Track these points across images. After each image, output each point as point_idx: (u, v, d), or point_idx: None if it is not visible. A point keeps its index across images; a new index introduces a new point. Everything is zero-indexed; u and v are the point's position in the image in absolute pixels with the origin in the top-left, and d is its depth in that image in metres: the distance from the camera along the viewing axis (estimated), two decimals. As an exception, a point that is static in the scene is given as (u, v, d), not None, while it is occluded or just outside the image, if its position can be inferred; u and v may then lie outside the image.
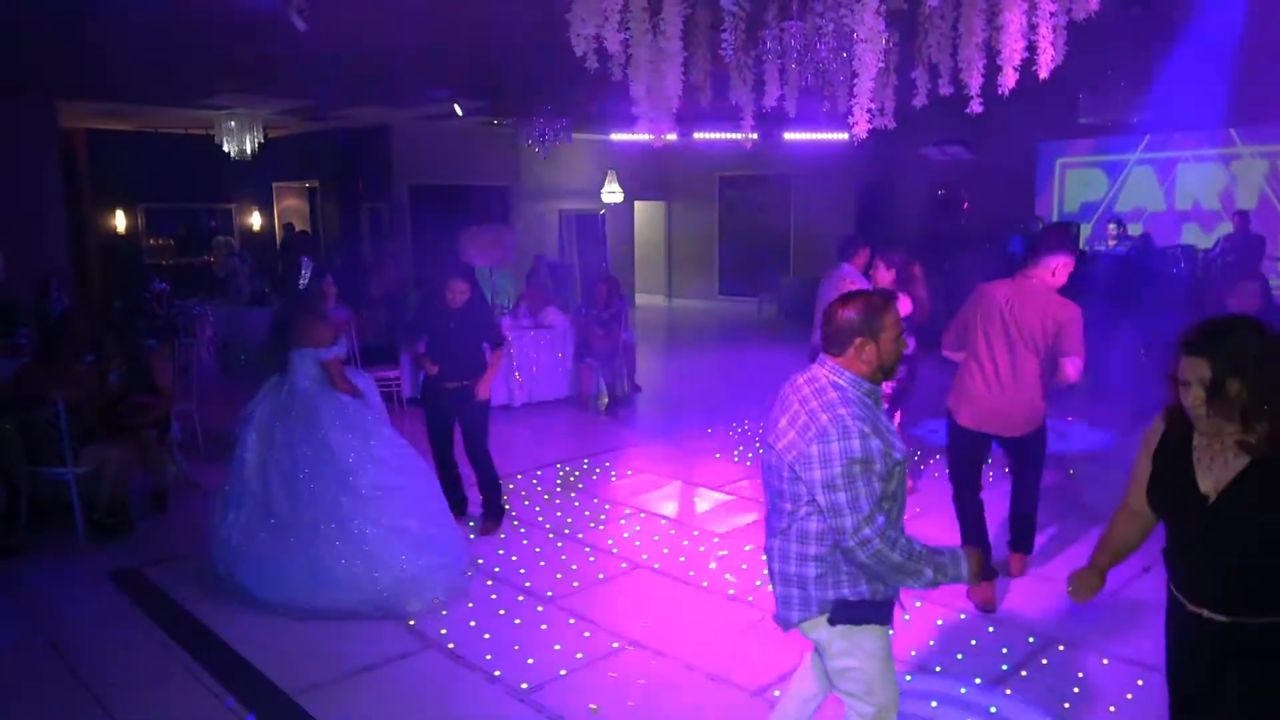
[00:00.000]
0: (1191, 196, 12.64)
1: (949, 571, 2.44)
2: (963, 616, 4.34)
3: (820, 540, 2.44)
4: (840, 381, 2.45)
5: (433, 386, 5.54)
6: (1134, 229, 11.90)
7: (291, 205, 16.60)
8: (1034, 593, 4.56)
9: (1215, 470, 2.19)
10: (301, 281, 4.97)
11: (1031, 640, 4.08)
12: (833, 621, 2.49)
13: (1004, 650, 3.99)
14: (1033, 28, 3.02)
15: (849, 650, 2.53)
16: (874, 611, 2.51)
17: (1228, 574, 2.20)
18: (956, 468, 4.60)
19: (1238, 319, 2.18)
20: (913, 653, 3.99)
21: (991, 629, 4.20)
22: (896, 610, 2.63)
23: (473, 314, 5.46)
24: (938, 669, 3.86)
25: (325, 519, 4.47)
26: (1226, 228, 11.59)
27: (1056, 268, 4.28)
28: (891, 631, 2.63)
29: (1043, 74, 3.11)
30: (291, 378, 4.81)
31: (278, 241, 15.57)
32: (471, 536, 5.45)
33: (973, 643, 4.08)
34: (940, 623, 4.28)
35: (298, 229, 15.43)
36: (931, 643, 4.08)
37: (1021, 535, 4.77)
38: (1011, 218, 13.00)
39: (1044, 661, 3.90)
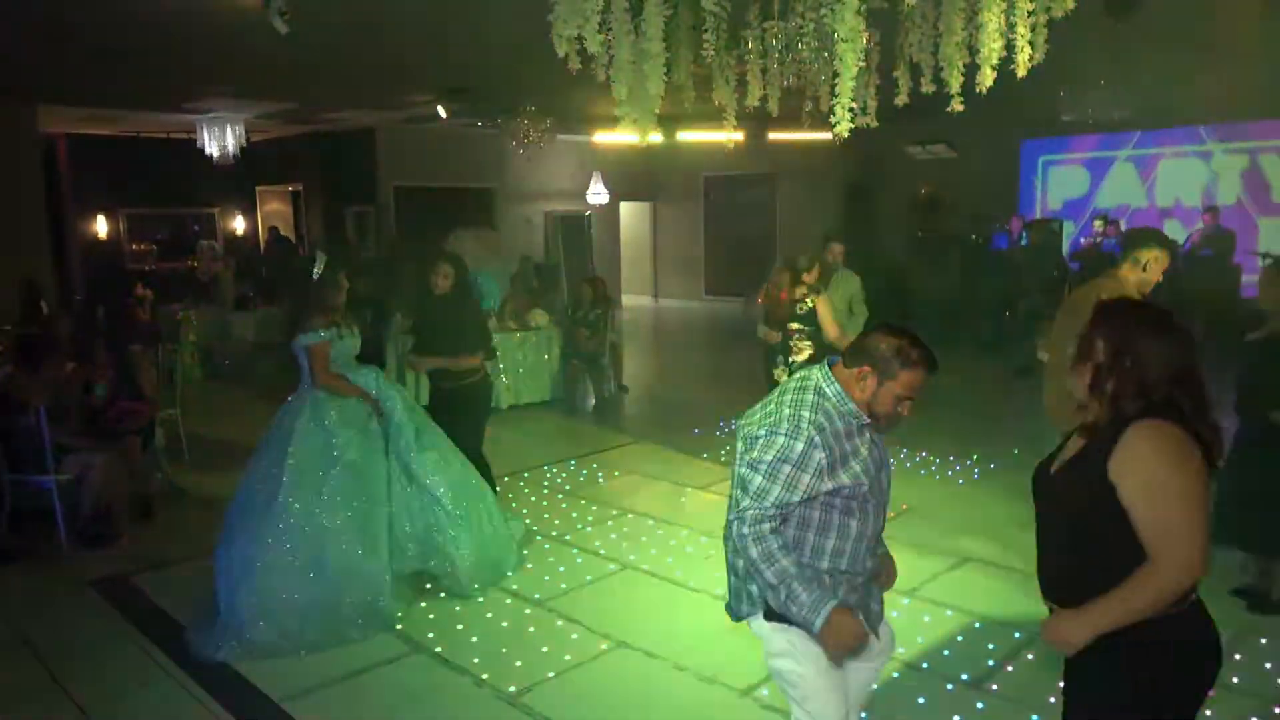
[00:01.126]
0: (1173, 193, 12.75)
1: (804, 611, 2.32)
2: (949, 614, 4.35)
3: None
4: (827, 389, 2.41)
5: (433, 390, 5.52)
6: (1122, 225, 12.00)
7: (275, 209, 16.52)
8: (1018, 589, 4.58)
9: (1065, 455, 2.16)
10: (315, 272, 4.84)
11: (1017, 636, 4.10)
12: (768, 617, 2.47)
13: (990, 646, 4.01)
14: (1011, 26, 3.04)
15: (788, 651, 2.47)
16: None
17: (1049, 561, 2.17)
18: None
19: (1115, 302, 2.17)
20: (900, 650, 4.00)
21: (978, 625, 4.22)
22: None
23: (460, 305, 5.38)
24: (924, 666, 3.88)
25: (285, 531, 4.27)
26: (1203, 224, 11.70)
27: (1148, 262, 4.25)
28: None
29: (1020, 72, 3.12)
30: (301, 376, 4.61)
31: (262, 245, 15.49)
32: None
33: (959, 639, 4.10)
34: (927, 619, 4.29)
35: (281, 233, 15.34)
36: (919, 639, 4.10)
37: None
38: (995, 215, 13.07)
39: (1029, 657, 3.92)
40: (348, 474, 4.41)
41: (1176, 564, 1.90)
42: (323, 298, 4.65)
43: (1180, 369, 1.98)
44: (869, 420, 2.41)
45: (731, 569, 2.59)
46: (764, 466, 2.34)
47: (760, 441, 2.37)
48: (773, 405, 2.44)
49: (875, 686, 2.80)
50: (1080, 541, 2.06)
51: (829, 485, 2.35)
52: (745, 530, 2.35)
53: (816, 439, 2.32)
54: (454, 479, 4.73)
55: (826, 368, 2.46)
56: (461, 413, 5.45)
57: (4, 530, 5.39)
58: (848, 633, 2.35)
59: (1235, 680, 3.65)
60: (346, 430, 4.48)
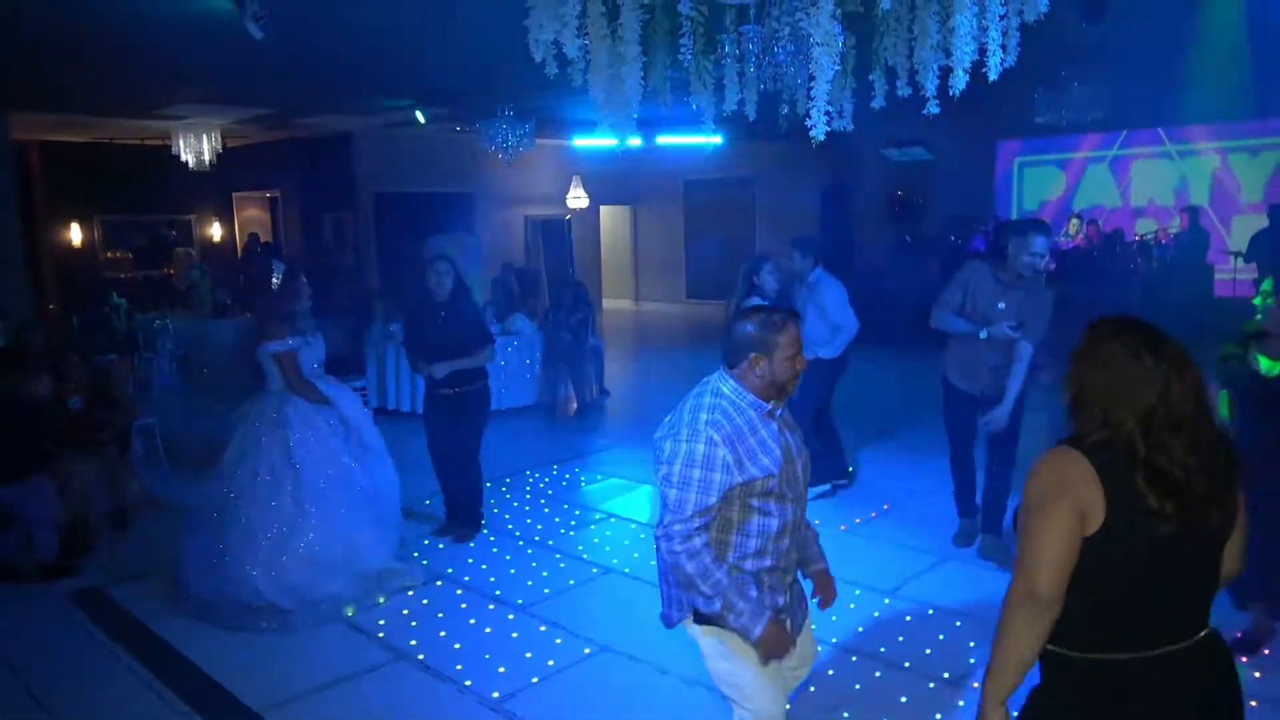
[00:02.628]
0: (1146, 193, 12.90)
1: (742, 619, 2.40)
2: (930, 612, 4.38)
3: None
4: (724, 390, 2.49)
5: (432, 396, 5.49)
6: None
7: (252, 215, 16.39)
8: (1000, 587, 4.61)
9: None
10: (274, 281, 4.93)
11: (998, 633, 4.13)
12: (699, 620, 2.51)
13: (972, 644, 4.04)
14: (984, 30, 3.06)
15: (724, 653, 2.51)
16: None
17: None
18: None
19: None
20: (882, 649, 4.03)
21: (959, 623, 4.25)
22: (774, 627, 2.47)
23: (460, 308, 5.38)
24: (906, 664, 3.90)
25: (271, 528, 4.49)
26: (1179, 224, 11.85)
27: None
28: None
29: (992, 75, 3.15)
30: (265, 383, 4.75)
31: (239, 251, 15.38)
32: (440, 546, 5.43)
33: (940, 638, 4.12)
34: (909, 618, 4.32)
35: (262, 240, 15.21)
36: (900, 638, 4.12)
37: (990, 516, 4.95)
38: (972, 216, 13.18)
39: (1011, 654, 3.95)
40: (316, 474, 4.59)
41: (1017, 584, 1.87)
42: (283, 305, 4.74)
43: (1149, 406, 1.82)
44: (769, 405, 2.49)
45: (662, 577, 2.61)
46: (675, 477, 2.40)
47: (666, 451, 2.44)
48: (675, 415, 2.51)
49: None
50: None
51: (740, 478, 2.39)
52: (677, 547, 2.39)
53: (715, 437, 2.38)
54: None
55: (722, 369, 2.54)
56: (462, 418, 5.45)
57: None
58: (783, 643, 2.45)
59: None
60: (308, 433, 4.64)
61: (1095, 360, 1.89)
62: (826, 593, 2.72)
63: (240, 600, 4.36)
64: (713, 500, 2.38)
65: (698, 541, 2.38)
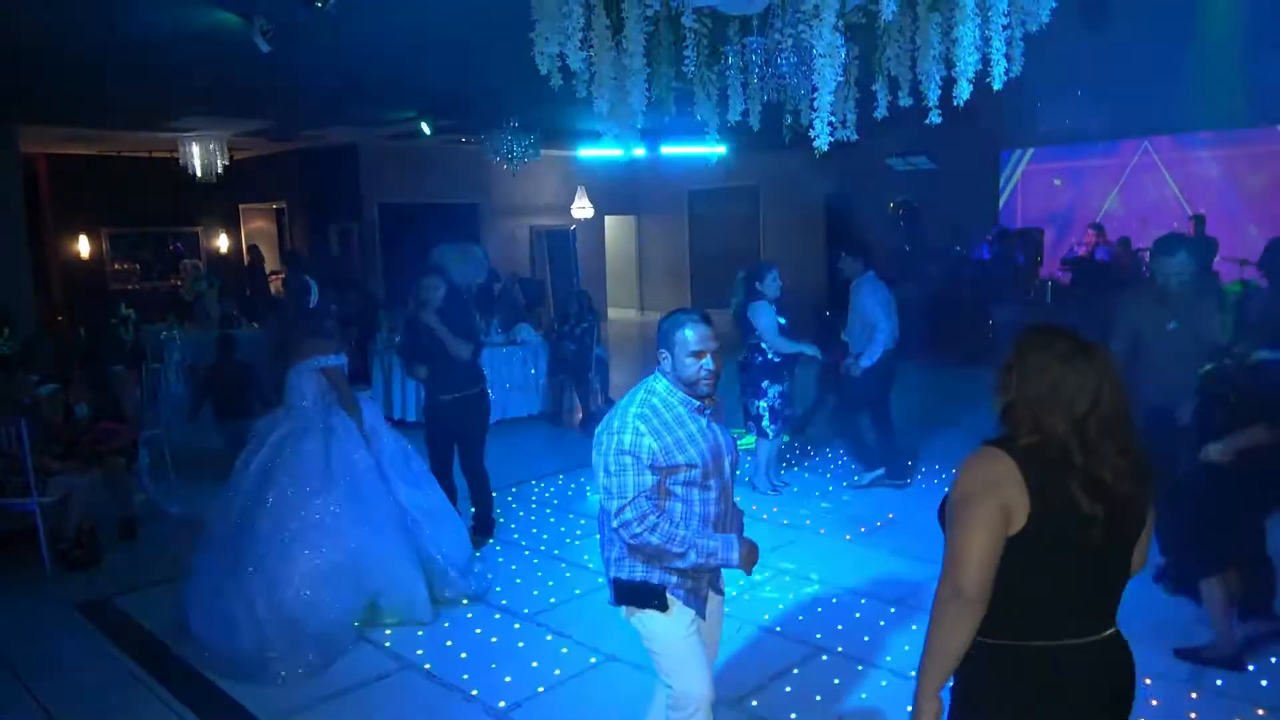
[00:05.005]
0: (1150, 202, 12.89)
1: (718, 555, 2.60)
2: (937, 621, 4.37)
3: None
4: (656, 386, 2.70)
5: (431, 403, 5.52)
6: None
7: (259, 227, 16.46)
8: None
9: None
10: (310, 301, 5.02)
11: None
12: (615, 603, 2.71)
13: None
14: (986, 40, 3.08)
15: (647, 634, 2.69)
16: (648, 595, 2.63)
17: None
18: None
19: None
20: (888, 658, 4.03)
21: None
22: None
23: (451, 317, 5.40)
24: (911, 674, 3.88)
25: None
26: (1182, 231, 11.83)
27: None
28: (701, 620, 2.72)
29: (996, 85, 3.17)
30: (288, 399, 4.67)
31: (249, 263, 15.42)
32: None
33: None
34: (914, 628, 4.31)
35: (262, 251, 15.23)
36: (906, 647, 4.12)
37: None
38: (977, 225, 13.18)
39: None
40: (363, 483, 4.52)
41: (945, 582, 1.90)
42: (326, 322, 4.92)
43: (1083, 412, 1.87)
44: (699, 403, 2.67)
45: (604, 561, 2.79)
46: (611, 465, 2.57)
47: (599, 445, 2.63)
48: (611, 411, 2.70)
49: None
50: None
51: (664, 463, 2.56)
52: (636, 530, 2.53)
53: (641, 428, 2.57)
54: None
55: (658, 370, 2.73)
56: (461, 425, 5.48)
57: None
58: (755, 552, 2.68)
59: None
60: (350, 445, 4.60)
61: (1028, 368, 1.92)
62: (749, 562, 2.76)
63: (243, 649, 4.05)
64: (649, 480, 2.55)
65: (652, 518, 2.53)
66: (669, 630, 2.65)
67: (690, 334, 2.63)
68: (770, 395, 6.19)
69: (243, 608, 4.08)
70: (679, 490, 2.60)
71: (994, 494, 1.86)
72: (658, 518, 2.54)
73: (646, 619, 2.66)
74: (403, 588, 4.43)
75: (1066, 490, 1.85)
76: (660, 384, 2.68)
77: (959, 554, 1.88)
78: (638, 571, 2.64)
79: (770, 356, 6.18)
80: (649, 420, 2.59)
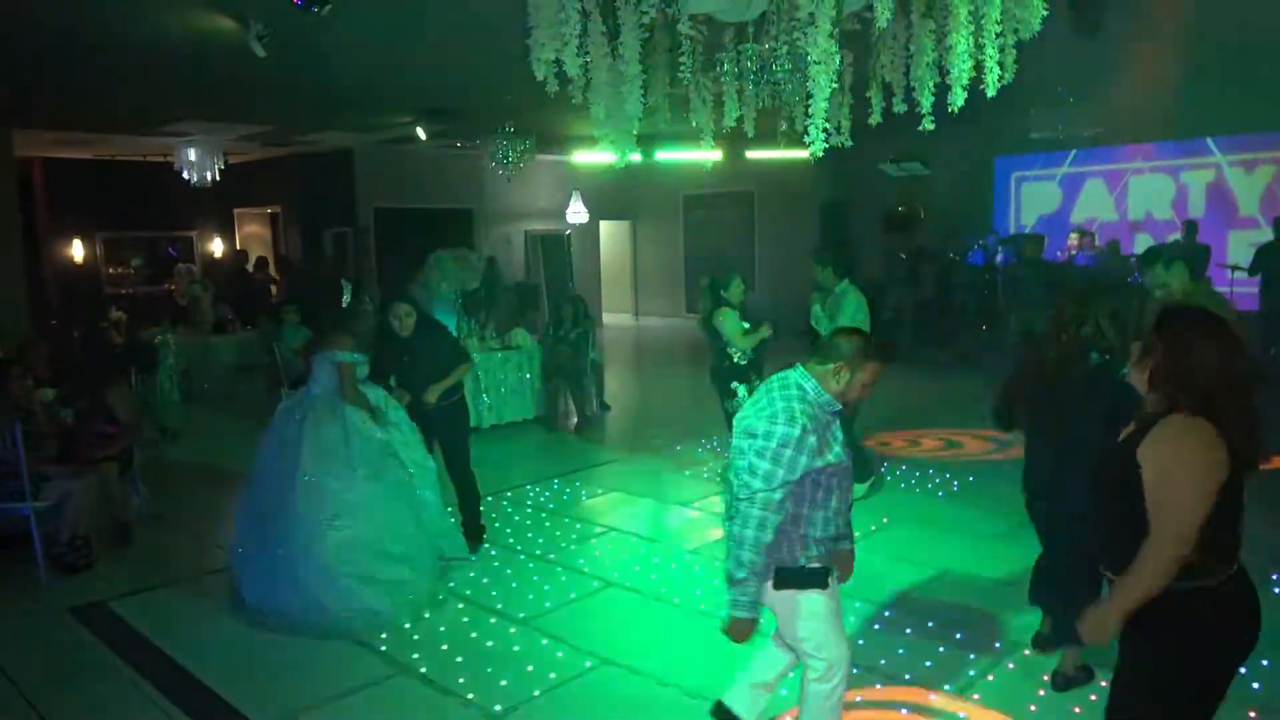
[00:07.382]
0: (1143, 207, 12.96)
1: (745, 594, 2.83)
2: (930, 625, 4.39)
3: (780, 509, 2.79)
4: (806, 386, 2.86)
5: (411, 413, 5.51)
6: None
7: (254, 231, 16.44)
8: (999, 600, 4.63)
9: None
10: (345, 300, 5.30)
11: (998, 646, 4.14)
12: (777, 587, 2.89)
13: (971, 656, 4.05)
14: (980, 47, 3.11)
15: (805, 613, 2.91)
16: (813, 577, 2.90)
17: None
18: None
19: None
20: (882, 661, 4.04)
21: (959, 635, 4.26)
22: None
23: (428, 341, 5.50)
24: (907, 677, 3.91)
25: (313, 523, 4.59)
26: (1177, 237, 11.88)
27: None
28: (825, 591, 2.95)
29: (990, 92, 3.20)
30: (309, 385, 4.98)
31: (250, 267, 15.37)
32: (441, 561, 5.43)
33: (941, 650, 4.13)
34: (909, 631, 4.33)
35: (248, 256, 15.17)
36: (900, 651, 4.13)
37: None
38: (970, 230, 13.23)
39: (1010, 667, 3.96)
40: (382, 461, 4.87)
41: (1163, 538, 2.11)
42: (356, 325, 5.19)
43: (1228, 375, 2.15)
44: (840, 408, 2.89)
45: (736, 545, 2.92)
46: (769, 453, 2.75)
47: (761, 431, 2.78)
48: (765, 401, 2.86)
49: None
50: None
51: (819, 463, 2.79)
52: (757, 511, 2.75)
53: (809, 425, 2.77)
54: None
55: (800, 368, 2.90)
56: (444, 434, 5.52)
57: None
58: (745, 633, 2.90)
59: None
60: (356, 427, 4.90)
61: (1187, 345, 2.19)
62: (845, 568, 3.14)
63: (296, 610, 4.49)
64: (794, 477, 2.75)
65: (774, 516, 2.76)
66: (825, 605, 2.92)
67: (877, 368, 2.87)
68: (740, 395, 6.24)
69: (310, 574, 4.49)
70: (823, 480, 2.82)
71: (1211, 458, 2.11)
72: (775, 526, 2.77)
73: (806, 600, 2.89)
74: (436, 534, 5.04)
75: (1237, 442, 2.13)
76: (809, 384, 2.85)
77: (1177, 513, 2.10)
78: (798, 558, 2.86)
79: (737, 360, 6.24)
80: (814, 418, 2.79)
